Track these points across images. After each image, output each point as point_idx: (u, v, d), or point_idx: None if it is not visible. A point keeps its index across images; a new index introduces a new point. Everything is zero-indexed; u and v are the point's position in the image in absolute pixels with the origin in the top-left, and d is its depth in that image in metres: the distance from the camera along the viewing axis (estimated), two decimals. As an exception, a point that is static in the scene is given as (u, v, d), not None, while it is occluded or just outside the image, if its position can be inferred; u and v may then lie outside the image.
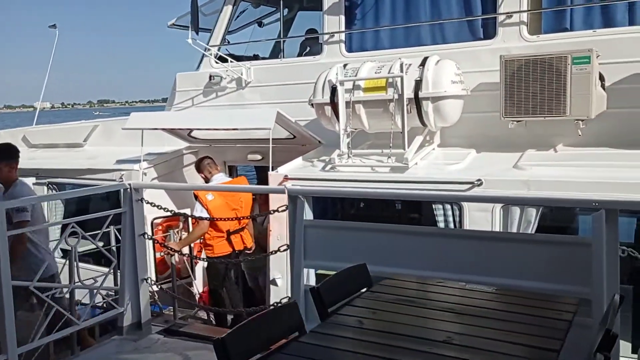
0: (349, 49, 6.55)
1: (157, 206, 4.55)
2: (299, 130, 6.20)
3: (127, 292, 4.41)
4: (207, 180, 6.00)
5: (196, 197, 5.68)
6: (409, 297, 2.48)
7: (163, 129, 6.68)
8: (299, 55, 7.55)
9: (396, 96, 5.08)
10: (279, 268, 5.58)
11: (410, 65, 5.14)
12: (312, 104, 5.74)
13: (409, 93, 5.04)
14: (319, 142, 6.50)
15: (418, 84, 5.03)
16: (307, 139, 6.43)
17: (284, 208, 3.83)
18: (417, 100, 5.03)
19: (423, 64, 5.12)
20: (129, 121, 6.41)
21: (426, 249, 3.09)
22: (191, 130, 6.85)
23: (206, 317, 5.83)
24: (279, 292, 5.60)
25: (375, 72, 5.28)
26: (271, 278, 5.62)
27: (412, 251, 3.13)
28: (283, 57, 7.30)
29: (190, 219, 6.51)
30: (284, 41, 7.43)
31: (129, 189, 4.38)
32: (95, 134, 8.43)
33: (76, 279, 4.25)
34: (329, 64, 6.44)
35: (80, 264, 4.21)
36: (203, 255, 5.87)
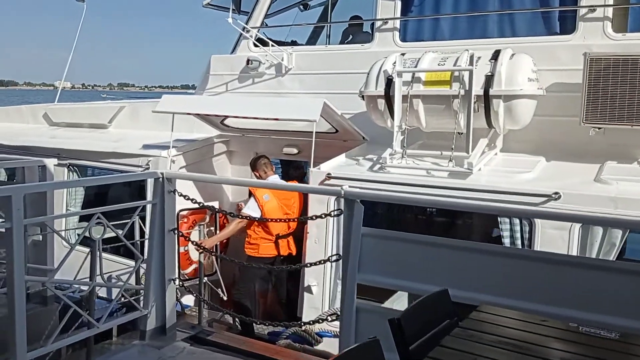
0: (404, 38, 6.08)
1: (192, 200, 4.17)
2: (344, 125, 5.76)
3: (152, 292, 4.04)
4: (261, 179, 5.63)
5: (251, 194, 5.34)
6: (512, 340, 2.03)
7: (195, 115, 6.30)
8: (341, 43, 7.11)
9: (462, 92, 4.60)
10: (315, 275, 5.18)
11: (479, 58, 4.66)
12: (362, 96, 5.29)
13: (477, 89, 4.56)
14: (363, 138, 6.06)
15: (489, 79, 4.54)
16: (351, 134, 5.98)
17: (337, 212, 3.40)
18: (486, 98, 4.55)
19: (495, 57, 4.63)
20: (160, 104, 6.04)
21: (520, 275, 2.63)
22: (225, 117, 6.46)
23: (232, 321, 5.44)
24: (314, 300, 5.19)
25: (439, 64, 4.80)
26: (305, 285, 5.21)
27: (502, 276, 2.67)
28: (328, 43, 6.86)
29: (217, 213, 6.15)
30: (330, 26, 6.99)
31: (161, 179, 4.00)
32: (121, 116, 8.11)
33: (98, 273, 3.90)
34: (380, 53, 5.98)
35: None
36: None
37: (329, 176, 5.07)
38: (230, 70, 7.13)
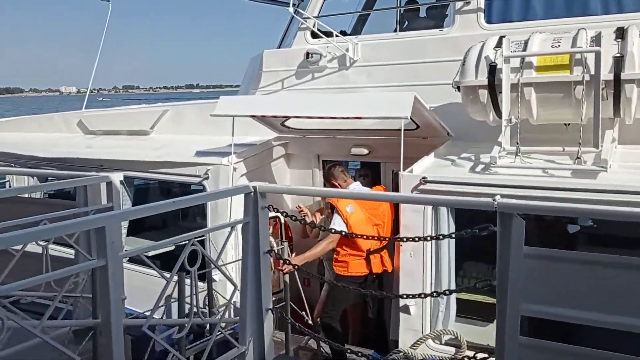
0: (489, 20, 5.53)
1: (292, 217, 3.68)
2: (429, 120, 5.24)
3: (249, 325, 3.56)
4: None
5: (333, 207, 4.84)
6: None
7: (260, 117, 5.80)
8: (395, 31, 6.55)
9: (587, 77, 4.05)
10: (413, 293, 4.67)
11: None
12: (457, 87, 4.76)
13: (604, 73, 4.01)
14: (448, 134, 5.55)
15: (618, 61, 3.98)
16: (435, 131, 5.46)
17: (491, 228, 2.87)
18: (616, 83, 4.00)
19: (621, 36, 4.07)
20: (218, 106, 5.54)
21: None
22: (287, 118, 5.96)
23: (316, 347, 4.96)
24: (412, 322, 4.68)
25: (552, 46, 4.25)
26: (402, 304, 4.71)
27: None
28: (399, 30, 6.34)
29: (283, 224, 5.68)
30: (398, 12, 6.46)
31: (252, 193, 3.52)
32: (164, 121, 7.65)
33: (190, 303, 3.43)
34: (461, 38, 5.48)
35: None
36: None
37: (424, 180, 4.55)
38: (285, 65, 6.64)
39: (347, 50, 6.09)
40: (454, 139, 5.51)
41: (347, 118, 5.06)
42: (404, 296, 3.84)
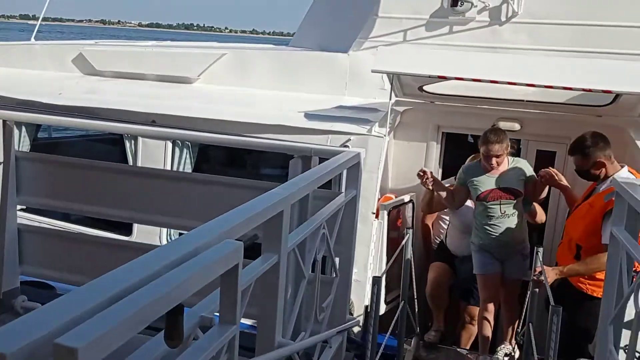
0: None
1: None
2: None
3: None
4: (603, 175, 4.01)
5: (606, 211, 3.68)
6: None
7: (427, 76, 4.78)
8: None
9: None
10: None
11: None
12: None
13: None
14: (640, 114, 5.08)
15: None
16: (628, 109, 4.94)
17: None
18: None
19: None
20: (377, 60, 4.48)
21: None
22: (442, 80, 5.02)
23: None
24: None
25: None
26: None
27: None
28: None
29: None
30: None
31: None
32: (219, 67, 6.23)
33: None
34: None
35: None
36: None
37: None
38: (414, 12, 5.63)
39: (511, 1, 5.28)
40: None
41: (566, 89, 4.35)
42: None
